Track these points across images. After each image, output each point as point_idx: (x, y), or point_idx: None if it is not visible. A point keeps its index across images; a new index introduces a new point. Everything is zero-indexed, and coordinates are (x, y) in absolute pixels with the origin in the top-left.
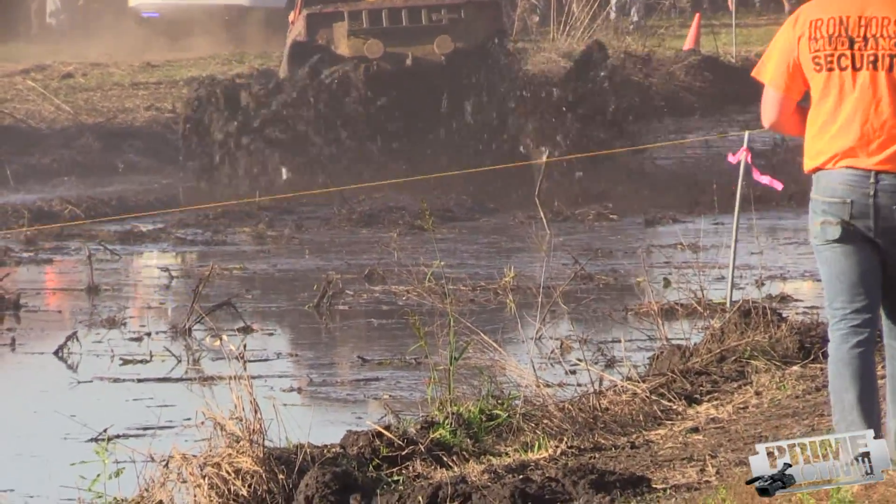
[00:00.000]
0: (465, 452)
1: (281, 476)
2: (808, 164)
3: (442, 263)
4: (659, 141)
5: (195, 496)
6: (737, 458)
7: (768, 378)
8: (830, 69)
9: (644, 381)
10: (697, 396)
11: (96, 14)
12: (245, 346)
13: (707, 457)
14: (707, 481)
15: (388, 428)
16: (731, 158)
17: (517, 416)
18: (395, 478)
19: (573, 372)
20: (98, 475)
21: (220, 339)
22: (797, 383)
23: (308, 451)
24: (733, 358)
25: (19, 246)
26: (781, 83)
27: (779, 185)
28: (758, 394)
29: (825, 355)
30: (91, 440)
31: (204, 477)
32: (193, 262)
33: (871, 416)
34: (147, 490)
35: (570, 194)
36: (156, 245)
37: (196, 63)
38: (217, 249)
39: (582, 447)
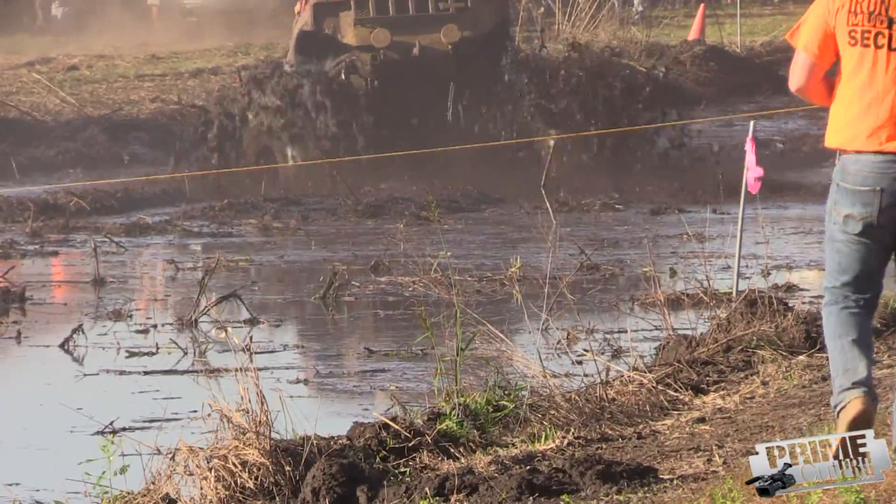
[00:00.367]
0: (471, 443)
1: (287, 468)
2: (830, 137)
3: (448, 254)
4: (664, 131)
5: (202, 489)
6: (743, 448)
7: (775, 368)
8: (866, 45)
9: (650, 372)
10: (704, 386)
11: (102, 6)
12: (251, 338)
13: (714, 447)
14: (714, 471)
15: (394, 419)
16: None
17: (524, 406)
18: (402, 469)
19: (580, 362)
20: (104, 471)
21: (227, 331)
22: (803, 373)
23: (315, 442)
24: (739, 348)
25: (25, 239)
26: (815, 48)
27: (754, 187)
28: (764, 384)
29: None
30: (97, 433)
31: (210, 469)
32: (199, 254)
33: (868, 356)
34: (154, 483)
35: (575, 185)
36: (162, 237)
37: (202, 55)
38: (223, 241)
39: (589, 438)
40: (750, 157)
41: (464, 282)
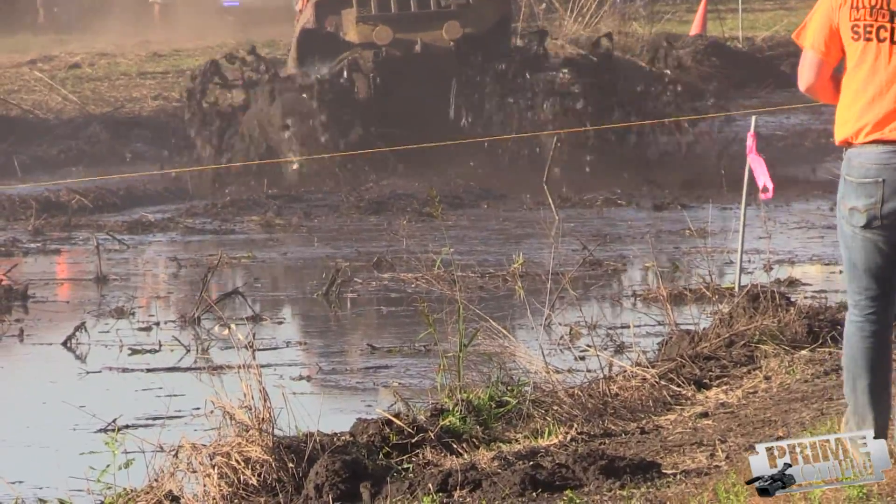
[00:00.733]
0: (475, 439)
1: (290, 464)
2: (838, 133)
3: (451, 250)
4: (666, 126)
5: (205, 486)
6: (746, 443)
7: (777, 362)
8: (868, 39)
9: (653, 367)
10: (707, 381)
11: (103, 4)
12: (254, 335)
13: (717, 442)
14: (717, 466)
15: (397, 416)
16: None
17: (527, 402)
18: (405, 465)
19: (582, 358)
20: (107, 466)
21: (229, 328)
22: (806, 367)
23: (318, 439)
24: (742, 343)
25: (27, 237)
26: (821, 46)
27: (768, 191)
28: (767, 378)
29: (833, 339)
30: (100, 431)
31: (213, 466)
32: (202, 251)
33: (881, 403)
34: (157, 480)
35: (578, 180)
36: (164, 234)
37: (203, 52)
38: (225, 238)
39: (592, 433)
40: (758, 166)
41: (466, 278)
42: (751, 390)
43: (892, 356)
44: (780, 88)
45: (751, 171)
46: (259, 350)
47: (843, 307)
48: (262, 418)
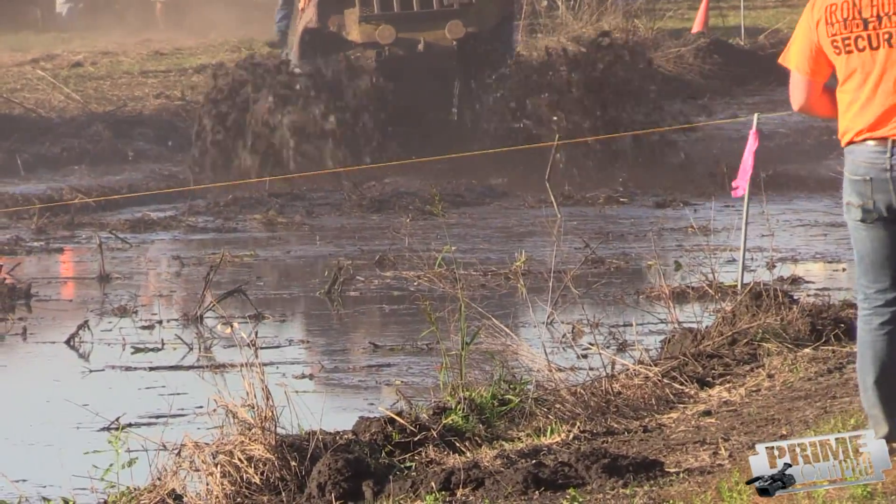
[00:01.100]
0: (477, 438)
1: (293, 463)
2: (841, 141)
3: (453, 248)
4: (668, 124)
5: (208, 484)
6: (749, 441)
7: (780, 361)
8: (849, 51)
9: (656, 365)
10: (710, 380)
11: (106, 2)
12: (256, 334)
13: (720, 440)
14: (720, 464)
15: (400, 414)
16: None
17: (529, 400)
18: (408, 464)
19: (585, 356)
20: (111, 465)
21: (232, 327)
22: (809, 366)
23: (320, 437)
24: (745, 341)
25: (30, 235)
26: (806, 67)
27: (740, 190)
28: (770, 376)
29: (837, 338)
30: (103, 429)
31: (216, 465)
32: (204, 250)
33: (891, 399)
34: (160, 479)
35: (580, 178)
36: (167, 233)
37: (206, 50)
38: (228, 237)
39: (594, 431)
40: (748, 155)
41: (469, 276)
42: (754, 388)
43: None
44: (782, 86)
45: (754, 169)
46: (261, 348)
47: (846, 305)
48: (265, 417)
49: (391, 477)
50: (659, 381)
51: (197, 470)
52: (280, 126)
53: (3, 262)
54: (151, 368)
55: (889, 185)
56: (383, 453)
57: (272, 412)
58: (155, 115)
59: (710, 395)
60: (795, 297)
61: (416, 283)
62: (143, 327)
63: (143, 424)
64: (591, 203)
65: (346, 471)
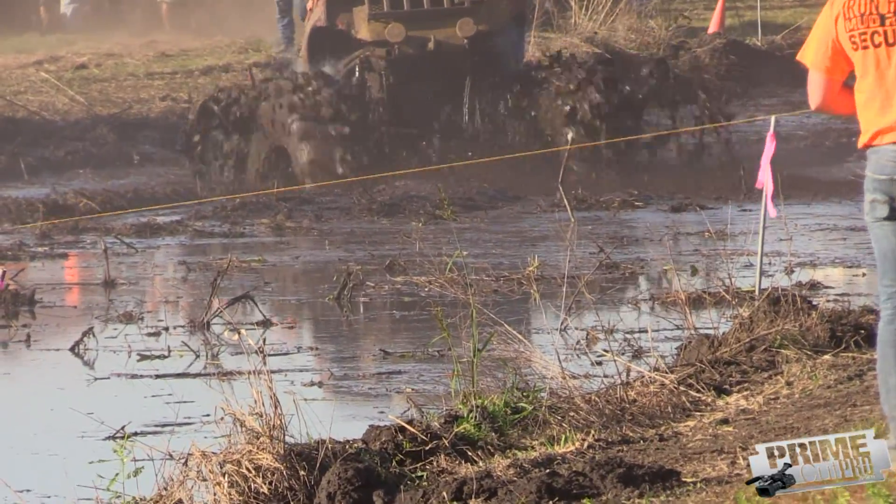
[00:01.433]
0: (490, 446)
1: (302, 472)
2: (860, 140)
3: (464, 253)
4: (684, 125)
5: (215, 494)
6: None
7: (799, 368)
8: (865, 47)
9: (672, 372)
10: (727, 387)
11: (111, 3)
12: (264, 340)
13: (738, 449)
14: (738, 474)
15: (411, 422)
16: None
17: (543, 408)
18: (419, 473)
19: (599, 363)
20: (116, 474)
21: (239, 334)
22: (829, 373)
23: (329, 446)
24: (763, 347)
25: (34, 240)
26: (823, 65)
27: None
28: (788, 384)
29: (857, 344)
30: (108, 438)
31: (224, 474)
32: (211, 255)
33: None
34: (166, 489)
35: (594, 181)
36: (173, 238)
37: (212, 51)
38: (235, 241)
39: (609, 440)
40: (766, 156)
41: (481, 281)
42: (772, 396)
43: None
44: (800, 87)
45: (769, 171)
46: (270, 355)
47: (866, 311)
48: (273, 425)
49: (402, 487)
50: (675, 388)
51: (204, 480)
52: (289, 129)
53: (7, 267)
54: (157, 376)
55: None
56: (394, 462)
57: (280, 420)
58: (161, 117)
59: (727, 403)
60: (814, 303)
61: (427, 289)
62: (149, 334)
63: (149, 433)
64: (605, 207)
65: (356, 480)
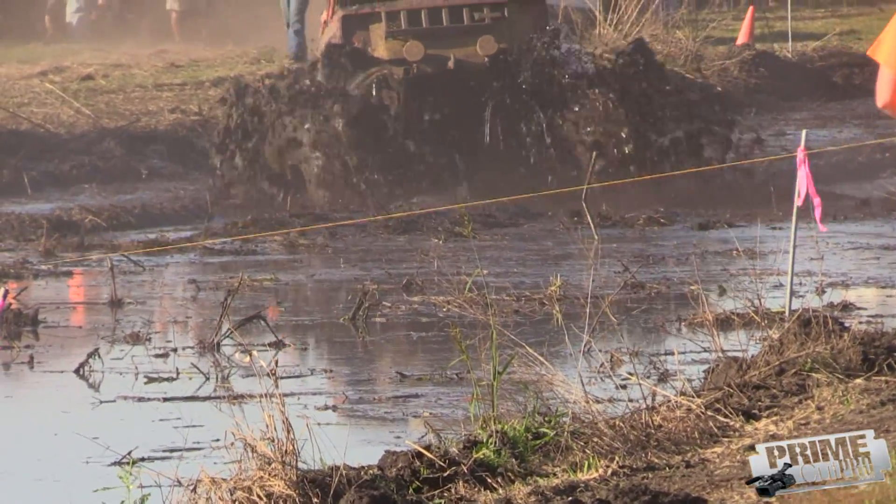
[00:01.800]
0: (510, 473)
1: (315, 500)
2: None
3: (484, 272)
4: (712, 139)
5: None
6: None
7: (830, 392)
8: None
9: (699, 396)
10: (756, 412)
11: (118, 11)
12: (277, 362)
13: None
14: (767, 502)
15: (428, 448)
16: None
17: (565, 434)
18: (437, 501)
19: (624, 387)
20: (122, 502)
21: (251, 355)
22: (861, 397)
23: (344, 473)
24: (793, 370)
25: (38, 258)
26: None
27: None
28: (819, 409)
29: (890, 367)
30: (115, 463)
31: (234, 501)
32: (222, 273)
33: None
34: None
35: (618, 197)
36: (182, 255)
37: (223, 62)
38: (247, 259)
39: (634, 467)
40: (803, 179)
41: (501, 301)
42: (802, 421)
43: None
44: (832, 100)
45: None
46: (282, 378)
47: None
48: (286, 451)
49: None
50: (702, 413)
51: None
52: (302, 146)
53: (10, 286)
54: (165, 399)
55: None
56: (410, 490)
57: (293, 446)
58: (170, 130)
59: (756, 429)
60: (846, 325)
61: (445, 309)
62: (157, 355)
63: (157, 459)
64: (630, 224)
65: None
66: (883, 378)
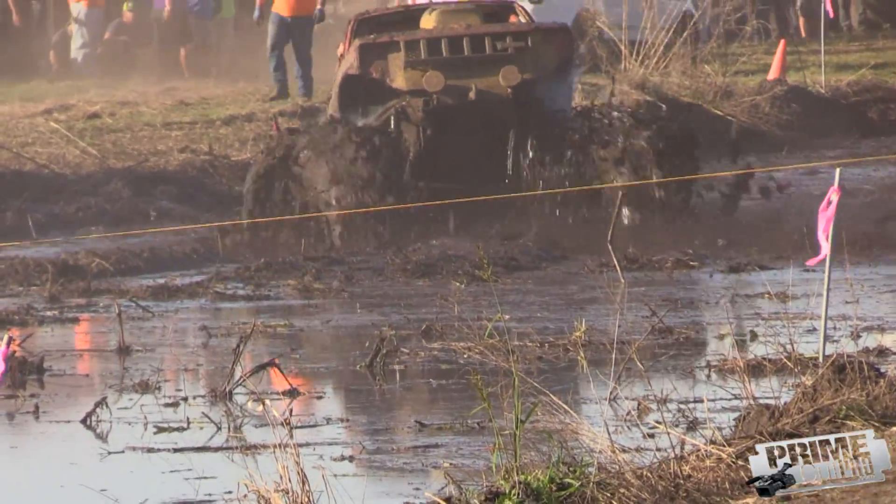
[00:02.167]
0: None
1: None
2: None
3: (506, 317)
4: (742, 180)
5: None
6: None
7: None
8: None
9: (730, 445)
10: None
11: (125, 47)
12: (291, 411)
13: None
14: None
15: (448, 500)
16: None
17: (591, 484)
18: None
19: (651, 435)
20: None
21: (264, 404)
22: None
23: None
24: (827, 418)
25: (42, 303)
26: None
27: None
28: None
29: None
30: None
31: None
32: (234, 319)
33: None
34: None
35: (646, 239)
36: (192, 301)
37: (234, 99)
38: (260, 304)
39: None
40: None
41: (524, 347)
42: None
43: None
44: (867, 137)
45: (836, 229)
46: (297, 427)
47: None
48: (301, 503)
49: None
50: (733, 462)
51: None
52: (315, 181)
53: (14, 333)
54: (176, 450)
55: None
56: None
57: (309, 498)
58: (179, 170)
59: None
60: (882, 371)
61: (466, 356)
62: (167, 405)
63: None
64: (657, 267)
65: None
66: None
